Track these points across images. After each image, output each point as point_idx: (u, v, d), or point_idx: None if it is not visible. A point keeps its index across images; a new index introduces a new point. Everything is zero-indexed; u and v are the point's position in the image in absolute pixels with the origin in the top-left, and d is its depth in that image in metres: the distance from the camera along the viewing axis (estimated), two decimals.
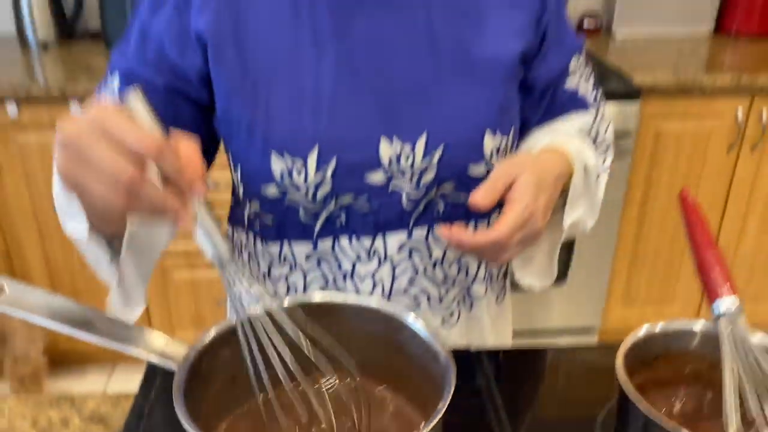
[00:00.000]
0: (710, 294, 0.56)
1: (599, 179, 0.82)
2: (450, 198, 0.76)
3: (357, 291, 0.80)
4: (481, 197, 0.67)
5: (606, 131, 0.88)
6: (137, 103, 0.48)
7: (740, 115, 1.94)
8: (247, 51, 0.71)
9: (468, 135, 0.73)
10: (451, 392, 0.48)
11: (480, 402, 0.72)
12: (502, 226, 0.65)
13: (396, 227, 0.76)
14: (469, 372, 0.77)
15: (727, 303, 0.55)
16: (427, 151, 0.72)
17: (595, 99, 0.86)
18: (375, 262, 0.78)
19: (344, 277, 0.79)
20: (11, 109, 1.75)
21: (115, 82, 0.73)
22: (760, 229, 2.13)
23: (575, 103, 0.84)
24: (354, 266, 0.78)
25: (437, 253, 0.78)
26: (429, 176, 0.73)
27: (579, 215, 0.78)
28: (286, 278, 0.81)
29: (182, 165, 0.48)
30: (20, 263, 1.99)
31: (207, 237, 0.51)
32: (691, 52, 2.17)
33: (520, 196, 0.66)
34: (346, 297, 0.61)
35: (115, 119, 0.46)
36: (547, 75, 0.80)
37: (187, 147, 0.50)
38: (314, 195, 0.73)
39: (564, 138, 0.79)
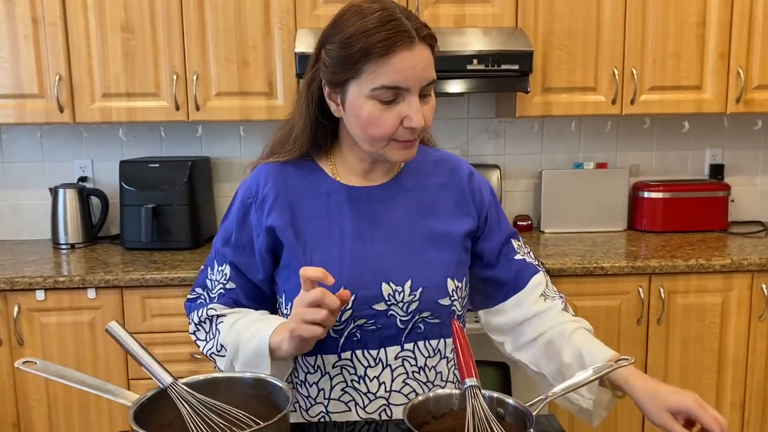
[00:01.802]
0: (462, 375, 0.92)
1: None
2: (428, 320, 1.13)
3: (367, 390, 1.11)
4: None
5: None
6: (118, 328, 0.91)
7: (642, 293, 2.33)
8: (299, 231, 1.12)
9: (437, 280, 1.12)
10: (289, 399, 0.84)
11: None
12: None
13: (393, 342, 1.11)
14: None
15: (471, 381, 0.91)
16: (412, 291, 1.11)
17: (539, 264, 1.26)
18: (379, 367, 1.11)
19: (359, 379, 1.11)
20: (39, 294, 2.19)
21: (227, 268, 1.17)
22: None
23: (528, 268, 1.23)
24: (365, 371, 1.11)
25: (421, 361, 1.13)
26: (413, 306, 1.11)
27: None
28: (317, 383, 1.14)
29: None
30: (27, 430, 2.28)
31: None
32: (603, 244, 2.62)
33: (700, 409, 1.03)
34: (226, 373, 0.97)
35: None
36: (491, 247, 1.22)
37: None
38: (340, 318, 1.09)
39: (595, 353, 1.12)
